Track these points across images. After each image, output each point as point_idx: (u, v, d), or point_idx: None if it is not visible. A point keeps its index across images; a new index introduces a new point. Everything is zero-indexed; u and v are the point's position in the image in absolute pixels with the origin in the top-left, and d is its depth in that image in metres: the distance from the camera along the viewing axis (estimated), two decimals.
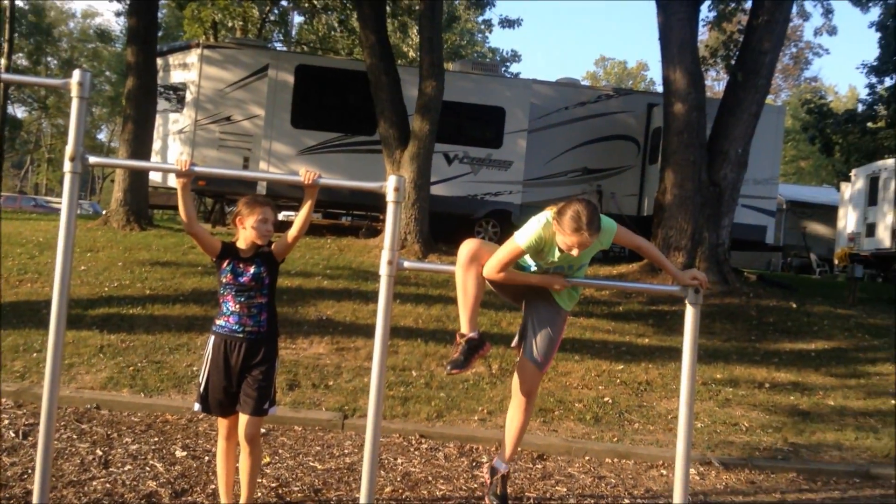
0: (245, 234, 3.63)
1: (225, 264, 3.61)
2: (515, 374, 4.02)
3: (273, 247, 3.70)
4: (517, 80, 18.40)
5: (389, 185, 3.48)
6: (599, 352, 7.79)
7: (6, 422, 4.96)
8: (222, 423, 3.72)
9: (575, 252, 3.55)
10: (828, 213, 24.36)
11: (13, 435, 4.71)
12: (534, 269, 3.86)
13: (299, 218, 3.66)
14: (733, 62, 13.37)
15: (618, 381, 6.99)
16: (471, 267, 3.72)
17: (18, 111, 43.42)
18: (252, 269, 3.60)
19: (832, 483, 5.23)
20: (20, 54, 38.92)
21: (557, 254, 3.68)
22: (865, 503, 4.88)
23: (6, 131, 36.36)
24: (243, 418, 3.59)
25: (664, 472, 5.17)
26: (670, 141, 11.80)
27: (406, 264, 3.78)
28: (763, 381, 7.33)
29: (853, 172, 21.85)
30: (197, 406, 3.68)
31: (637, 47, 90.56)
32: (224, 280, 3.60)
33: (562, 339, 4.06)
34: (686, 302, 3.60)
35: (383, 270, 3.55)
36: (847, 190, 21.89)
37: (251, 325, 3.60)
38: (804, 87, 48.78)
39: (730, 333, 9.07)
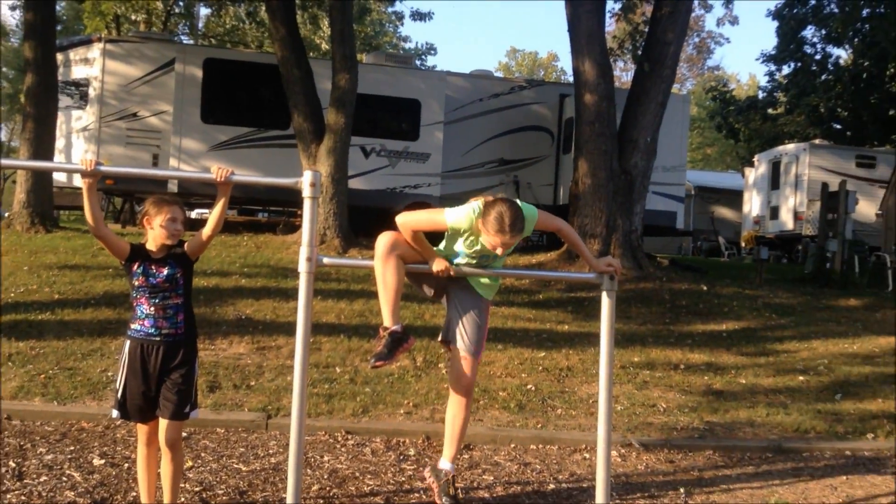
0: (154, 234, 3.51)
1: (136, 267, 3.49)
2: (451, 369, 4.02)
3: (186, 246, 3.59)
4: (432, 73, 18.45)
5: (305, 181, 3.45)
6: (521, 340, 7.91)
7: None
8: (142, 429, 3.61)
9: (499, 251, 3.60)
10: (734, 198, 25.34)
11: None
12: (459, 259, 3.88)
13: (213, 215, 3.58)
14: (640, 53, 13.75)
15: (540, 368, 7.11)
16: (389, 258, 3.70)
17: None
18: (165, 271, 3.50)
19: (747, 458, 5.46)
20: None
21: (481, 244, 3.71)
22: (778, 476, 5.11)
23: None
24: (163, 423, 3.49)
25: (587, 455, 5.29)
26: (582, 131, 12.06)
27: (326, 260, 3.77)
28: (678, 363, 7.59)
29: (756, 158, 22.80)
30: (115, 413, 3.56)
31: (547, 39, 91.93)
32: (136, 283, 3.49)
33: (487, 326, 4.09)
34: (602, 289, 3.71)
35: (302, 267, 3.53)
36: (751, 175, 22.82)
37: (168, 328, 3.49)
38: (708, 76, 50.55)
39: (645, 317, 9.35)
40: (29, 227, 11.67)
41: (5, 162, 5.68)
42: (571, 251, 11.44)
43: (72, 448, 4.74)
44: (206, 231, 3.57)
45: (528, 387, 6.58)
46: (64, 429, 5.11)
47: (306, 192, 3.46)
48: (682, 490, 4.65)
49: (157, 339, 3.48)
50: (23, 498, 3.91)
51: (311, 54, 23.15)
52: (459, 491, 4.09)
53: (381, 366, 3.66)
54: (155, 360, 3.47)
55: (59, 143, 13.92)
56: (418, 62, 33.84)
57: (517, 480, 4.78)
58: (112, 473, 4.35)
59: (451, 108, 15.36)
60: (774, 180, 21.01)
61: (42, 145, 11.98)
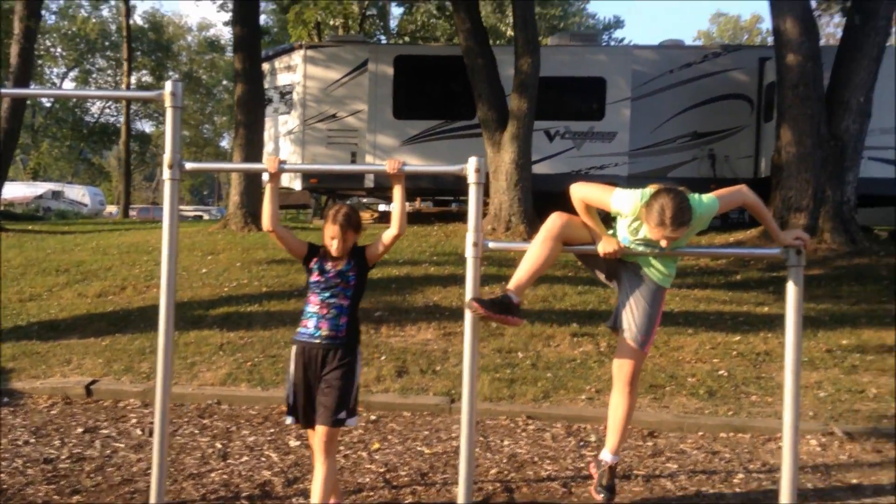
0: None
1: (313, 263, 3.53)
2: (616, 357, 3.89)
3: (366, 250, 3.58)
4: (617, 48, 17.95)
5: (470, 167, 3.48)
6: (714, 324, 7.52)
7: (133, 420, 5.32)
8: (310, 435, 3.61)
9: (663, 243, 3.42)
10: None
11: (140, 433, 5.04)
12: (627, 244, 3.74)
13: (394, 214, 3.55)
14: (849, 5, 12.50)
15: (734, 352, 6.72)
16: (547, 242, 3.63)
17: (146, 126, 46.16)
18: (341, 266, 3.51)
19: None
20: (144, 71, 41.30)
21: (645, 233, 3.55)
22: None
23: (137, 146, 38.82)
24: (318, 429, 3.46)
25: (782, 444, 4.93)
26: (785, 95, 11.20)
27: (491, 245, 3.76)
28: (893, 346, 6.87)
29: None
30: (288, 419, 3.60)
31: (751, 2, 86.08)
32: (311, 279, 3.53)
33: (661, 316, 3.91)
34: (787, 265, 3.42)
35: (469, 252, 3.54)
36: None
37: (328, 329, 3.45)
38: None
39: (858, 296, 8.54)
40: (242, 227, 12.77)
41: (200, 166, 6.23)
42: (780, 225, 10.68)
43: (272, 431, 5.14)
44: (388, 235, 3.53)
45: (720, 372, 6.25)
46: (266, 412, 5.55)
47: (471, 178, 3.48)
48: (887, 483, 4.22)
49: (317, 341, 3.46)
50: (224, 476, 4.29)
51: (498, 42, 23.40)
52: (616, 482, 3.93)
53: (476, 308, 3.38)
54: (314, 364, 3.46)
55: (269, 146, 15.11)
56: (606, 37, 33.06)
57: (703, 469, 4.56)
58: (306, 454, 4.66)
59: (639, 82, 14.84)
60: None
61: (252, 150, 13.05)
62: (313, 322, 3.48)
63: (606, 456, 3.88)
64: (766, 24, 54.50)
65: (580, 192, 3.66)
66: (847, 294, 8.59)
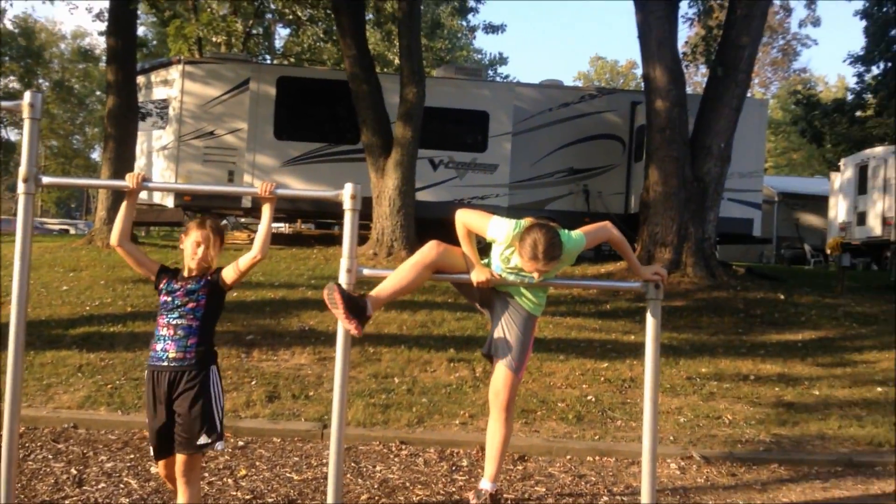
0: (185, 253, 3.40)
1: (162, 284, 3.38)
2: (492, 384, 3.94)
3: (222, 271, 3.41)
4: (500, 84, 18.40)
5: (346, 193, 3.48)
6: (584, 350, 7.76)
7: None
8: (163, 466, 3.45)
9: (535, 276, 3.53)
10: (820, 204, 24.38)
11: None
12: (500, 272, 3.82)
13: (257, 237, 3.43)
14: (713, 57, 13.38)
15: (602, 378, 6.96)
16: (420, 269, 3.68)
17: (12, 134, 43.47)
18: (189, 285, 3.34)
19: (814, 473, 5.19)
20: (11, 77, 38.99)
21: (520, 262, 3.64)
22: (847, 491, 4.85)
23: (1, 154, 36.49)
24: (178, 457, 3.30)
25: None
26: (653, 138, 11.83)
27: (365, 272, 3.78)
28: (748, 374, 7.31)
29: (842, 162, 21.87)
30: (152, 451, 3.44)
31: (629, 46, 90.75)
32: (160, 300, 3.37)
33: (532, 342, 4.01)
34: (647, 298, 3.60)
35: (342, 279, 3.54)
36: (837, 180, 21.91)
37: (175, 351, 3.28)
38: (794, 78, 48.87)
39: (717, 327, 9.05)
40: (109, 244, 12.16)
41: (58, 181, 5.94)
42: (642, 261, 11.20)
43: (131, 456, 4.88)
44: (245, 258, 3.38)
45: (589, 398, 6.44)
46: (126, 437, 5.27)
47: (347, 205, 3.50)
48: None
49: (164, 364, 3.29)
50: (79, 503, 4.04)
51: (385, 70, 23.55)
52: None
53: (334, 294, 3.40)
54: (163, 389, 3.28)
55: (140, 161, 14.51)
56: (491, 72, 33.91)
57: (570, 492, 4.67)
58: (166, 481, 4.45)
59: (520, 118, 15.29)
60: (861, 185, 20.09)
61: (122, 164, 12.51)
62: (161, 345, 3.32)
63: (486, 484, 3.92)
64: (641, 69, 57.46)
65: (463, 218, 3.76)
66: (707, 325, 9.09)
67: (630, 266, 3.83)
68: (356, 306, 3.42)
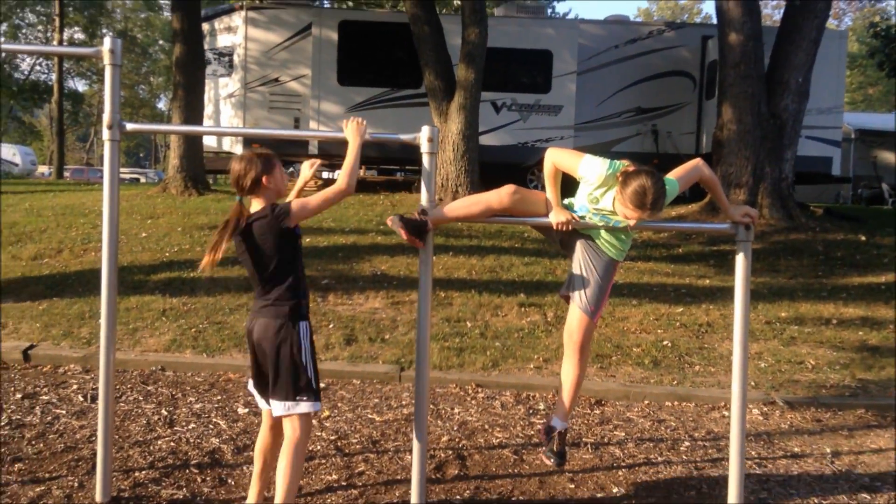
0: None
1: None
2: (567, 325, 3.90)
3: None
4: (563, 21, 17.94)
5: (423, 136, 3.44)
6: (658, 295, 7.66)
7: (75, 387, 5.14)
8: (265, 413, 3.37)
9: (632, 223, 3.43)
10: None
11: (82, 399, 4.88)
12: (582, 213, 3.74)
13: (343, 169, 3.31)
14: None
15: (677, 324, 6.86)
16: (491, 212, 3.63)
17: (80, 84, 44.44)
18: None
19: None
20: (76, 28, 39.62)
21: (610, 204, 3.54)
22: None
23: (70, 105, 37.33)
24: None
25: (726, 413, 5.07)
26: (726, 74, 11.39)
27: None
28: (830, 318, 7.11)
29: None
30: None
31: None
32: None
33: (611, 287, 3.93)
34: (737, 240, 3.49)
35: None
36: None
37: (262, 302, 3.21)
38: (868, 10, 46.35)
39: (795, 270, 8.81)
40: (183, 191, 12.41)
41: (142, 127, 6.02)
42: (714, 203, 10.91)
43: (219, 398, 5.04)
44: (329, 190, 3.26)
45: (664, 343, 6.37)
46: (212, 379, 5.44)
47: (424, 148, 3.45)
48: (828, 451, 4.38)
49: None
50: (172, 444, 4.19)
51: (444, 11, 23.15)
52: (566, 448, 3.95)
53: (398, 227, 3.43)
54: (255, 338, 3.21)
55: (208, 109, 14.68)
56: (550, 8, 33.06)
57: (650, 437, 4.66)
58: (254, 422, 4.59)
59: (585, 56, 14.90)
60: None
61: (192, 112, 12.66)
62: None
63: (556, 422, 3.90)
64: (707, 5, 55.37)
65: (553, 156, 3.67)
66: (785, 268, 8.85)
67: (720, 206, 3.69)
68: (416, 227, 3.48)
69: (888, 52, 23.51)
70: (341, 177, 3.36)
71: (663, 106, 15.11)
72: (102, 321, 3.45)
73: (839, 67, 15.13)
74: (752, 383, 5.55)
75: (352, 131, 3.40)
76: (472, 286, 7.58)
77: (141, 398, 4.97)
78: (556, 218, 3.60)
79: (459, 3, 19.39)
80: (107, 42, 3.43)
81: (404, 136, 3.59)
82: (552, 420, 3.90)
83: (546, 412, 5.00)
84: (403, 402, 5.09)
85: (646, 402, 5.31)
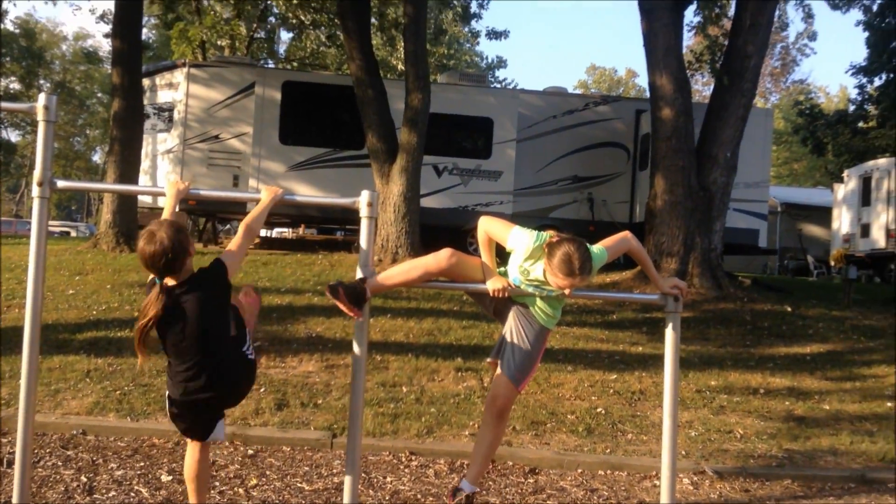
0: None
1: None
2: (491, 389, 3.90)
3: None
4: (505, 91, 18.41)
5: (363, 200, 3.46)
6: (592, 361, 7.73)
7: None
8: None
9: (567, 292, 3.48)
10: (823, 215, 24.38)
11: None
12: (516, 283, 3.78)
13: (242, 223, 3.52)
14: (719, 66, 13.37)
15: (611, 390, 6.92)
16: (430, 276, 3.65)
17: (12, 135, 43.41)
18: None
19: (828, 489, 5.17)
20: (12, 78, 38.96)
21: (541, 275, 3.59)
22: None
23: (1, 156, 36.41)
24: None
25: (657, 482, 5.08)
26: (659, 147, 11.79)
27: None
28: (758, 387, 7.27)
29: (846, 173, 21.88)
30: None
31: (626, 56, 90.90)
32: None
33: (541, 356, 3.96)
34: (666, 310, 3.57)
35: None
36: (840, 191, 21.91)
37: None
38: (793, 89, 48.97)
39: (725, 339, 9.02)
40: (114, 247, 12.13)
41: (74, 185, 5.90)
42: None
43: (141, 464, 4.84)
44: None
45: (598, 410, 6.41)
46: (136, 445, 5.23)
47: (364, 212, 3.47)
48: None
49: None
50: None
51: (388, 75, 23.55)
52: None
53: (333, 291, 3.51)
54: None
55: (145, 164, 14.48)
56: (490, 76, 33.91)
57: None
58: (178, 490, 4.41)
59: (525, 125, 15.30)
60: (865, 196, 20.10)
61: (128, 167, 12.47)
62: None
63: (465, 485, 3.85)
64: (641, 79, 57.62)
65: (485, 225, 3.73)
66: (714, 337, 9.06)
67: (650, 277, 3.79)
68: (356, 296, 3.49)
69: (812, 129, 24.83)
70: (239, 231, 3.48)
71: (599, 175, 15.55)
72: (23, 381, 3.32)
73: (766, 143, 15.87)
74: (683, 452, 5.61)
75: (269, 192, 3.54)
76: (409, 349, 7.53)
77: (60, 463, 4.74)
78: (492, 285, 3.64)
79: (403, 68, 19.80)
80: (41, 98, 3.38)
81: (343, 200, 3.61)
82: (461, 482, 3.85)
83: (481, 481, 4.93)
84: (334, 471, 4.97)
85: (579, 470, 5.30)
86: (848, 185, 21.24)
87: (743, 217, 14.86)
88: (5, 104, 4.91)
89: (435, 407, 6.22)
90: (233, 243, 3.45)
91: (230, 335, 3.32)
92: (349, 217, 15.45)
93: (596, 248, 3.61)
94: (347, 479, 3.38)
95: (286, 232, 24.79)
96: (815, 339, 9.20)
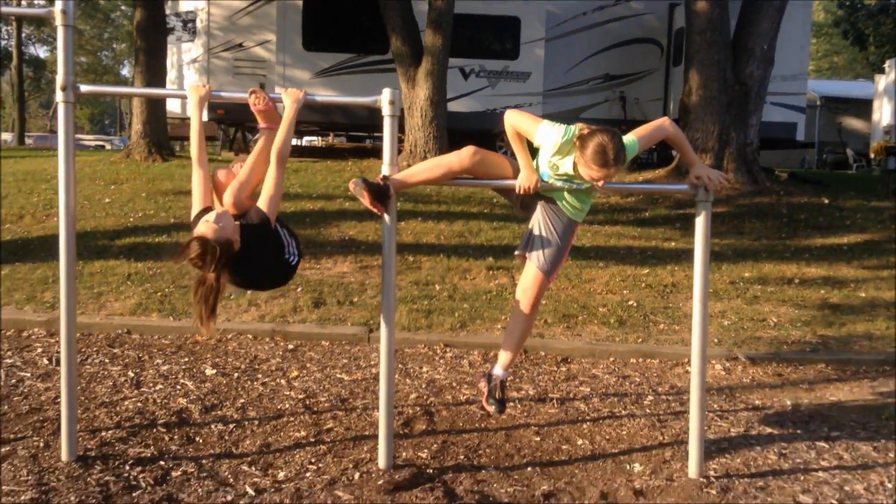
0: None
1: None
2: (520, 281, 3.89)
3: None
4: None
5: (384, 99, 3.43)
6: (624, 257, 7.73)
7: (39, 350, 5.09)
8: None
9: (600, 184, 3.42)
10: (864, 108, 23.61)
11: (46, 362, 4.83)
12: (545, 178, 3.73)
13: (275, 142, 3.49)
14: None
15: (643, 284, 6.95)
16: (452, 174, 3.62)
17: (40, 51, 43.23)
18: None
19: (862, 371, 5.21)
20: None
21: (571, 169, 3.53)
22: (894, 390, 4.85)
23: (31, 72, 36.39)
24: None
25: (689, 369, 5.14)
26: (693, 41, 11.43)
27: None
28: (793, 277, 7.24)
29: (887, 64, 21.04)
30: None
31: None
32: None
33: (569, 249, 3.94)
34: (696, 200, 3.53)
35: None
36: (881, 82, 21.13)
37: None
38: None
39: (760, 232, 8.94)
40: (146, 157, 12.22)
41: (97, 89, 5.89)
42: (681, 168, 11.01)
43: (186, 360, 5.02)
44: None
45: (630, 303, 6.45)
46: (179, 342, 5.41)
47: (385, 111, 3.45)
48: (787, 402, 4.48)
49: None
50: (139, 404, 4.18)
51: None
52: (507, 396, 3.97)
53: (356, 187, 3.51)
54: None
55: (171, 74, 14.41)
56: None
57: (615, 392, 4.73)
58: (223, 382, 4.58)
59: (553, 23, 14.84)
60: None
61: (154, 77, 12.43)
62: None
63: (498, 370, 3.90)
64: None
65: (511, 119, 3.66)
66: (749, 230, 8.98)
67: (687, 163, 3.71)
68: (379, 192, 3.49)
69: (853, 20, 23.81)
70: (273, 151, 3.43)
71: (631, 73, 15.15)
72: (62, 285, 3.41)
73: (804, 35, 15.26)
74: (716, 340, 5.66)
75: (290, 97, 3.51)
76: (440, 250, 7.59)
77: (107, 360, 4.93)
78: (522, 182, 3.59)
79: None
80: (58, 3, 3.35)
81: (364, 99, 3.57)
82: (493, 368, 3.91)
83: (514, 370, 5.04)
84: (372, 362, 5.11)
85: (611, 359, 5.39)
86: (889, 76, 20.47)
87: (780, 111, 14.46)
88: (24, 10, 4.90)
89: (468, 303, 6.31)
90: (268, 179, 3.40)
91: (280, 261, 3.47)
92: (377, 124, 15.28)
93: (628, 139, 3.54)
94: (383, 365, 3.47)
95: (315, 140, 24.73)
96: (853, 230, 9.08)
